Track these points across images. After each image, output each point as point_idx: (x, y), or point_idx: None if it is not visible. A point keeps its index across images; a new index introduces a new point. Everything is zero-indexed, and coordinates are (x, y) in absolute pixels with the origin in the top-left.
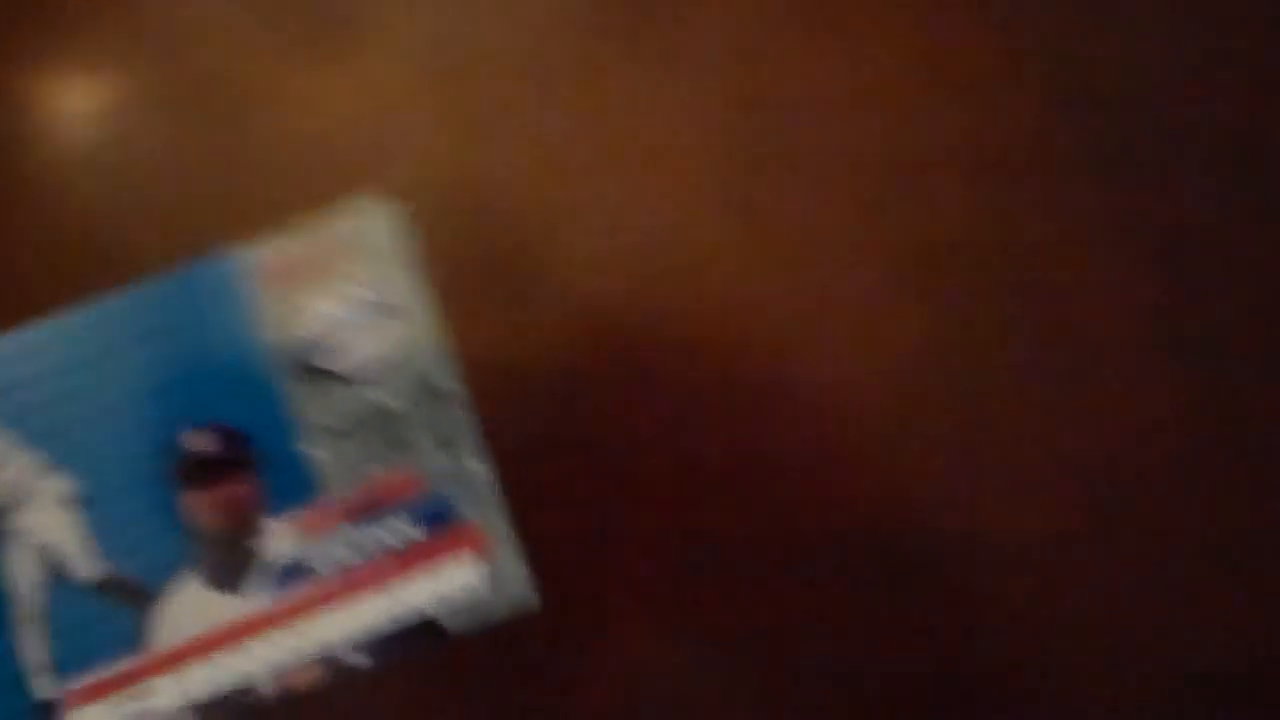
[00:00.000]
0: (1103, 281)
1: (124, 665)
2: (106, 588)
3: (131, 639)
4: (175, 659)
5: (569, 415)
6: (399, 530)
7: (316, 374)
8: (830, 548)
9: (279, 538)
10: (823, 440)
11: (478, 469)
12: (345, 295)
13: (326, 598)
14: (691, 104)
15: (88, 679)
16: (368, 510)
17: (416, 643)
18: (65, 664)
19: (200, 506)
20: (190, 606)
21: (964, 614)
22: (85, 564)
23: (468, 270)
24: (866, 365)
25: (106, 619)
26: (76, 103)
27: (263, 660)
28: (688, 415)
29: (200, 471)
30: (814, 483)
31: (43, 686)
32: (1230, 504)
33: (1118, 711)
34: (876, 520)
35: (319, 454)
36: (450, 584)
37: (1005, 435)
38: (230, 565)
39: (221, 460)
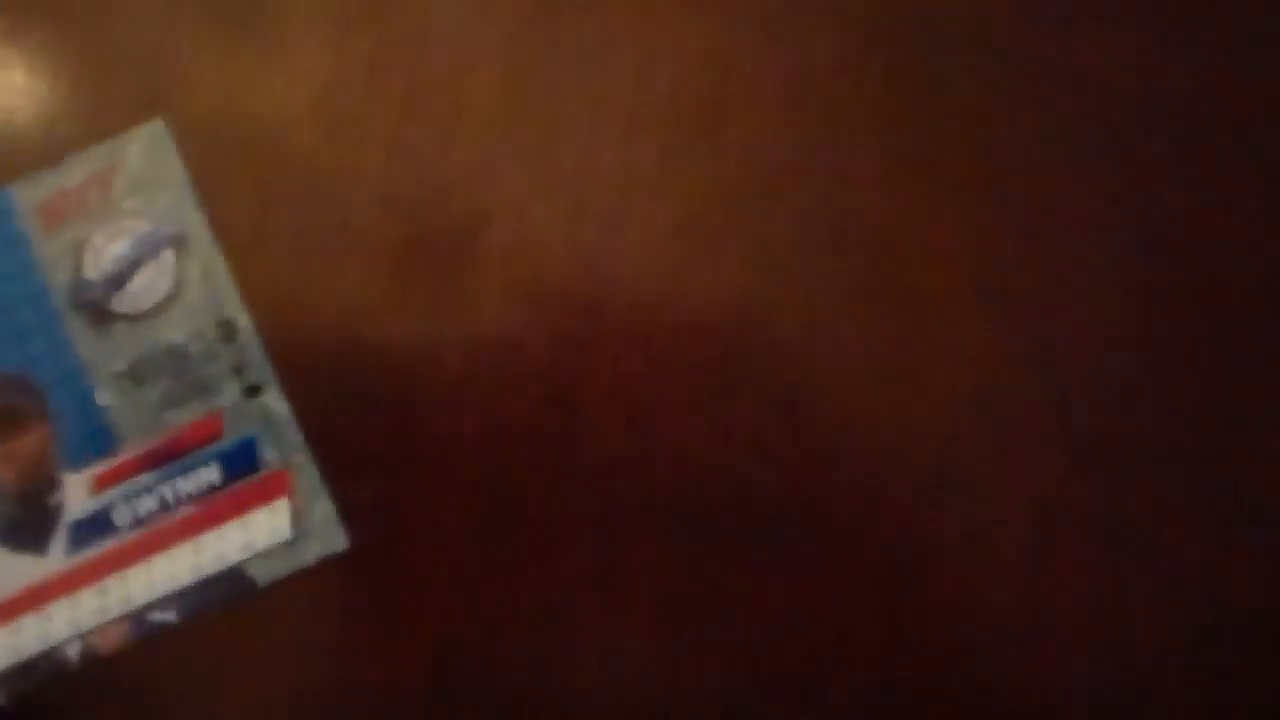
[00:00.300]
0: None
1: None
2: None
3: None
4: None
5: (364, 346)
6: (202, 477)
7: (103, 315)
8: (647, 504)
9: (77, 492)
10: (630, 391)
11: (280, 406)
12: (126, 230)
13: (130, 552)
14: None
15: None
16: (168, 458)
17: (226, 594)
18: None
19: None
20: None
21: (804, 560)
22: None
23: (256, 200)
24: (680, 317)
25: None
26: None
27: (66, 622)
28: (501, 368)
29: None
30: (629, 435)
31: None
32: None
33: None
34: (697, 473)
35: (114, 401)
36: (259, 530)
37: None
38: (26, 523)
39: (11, 412)
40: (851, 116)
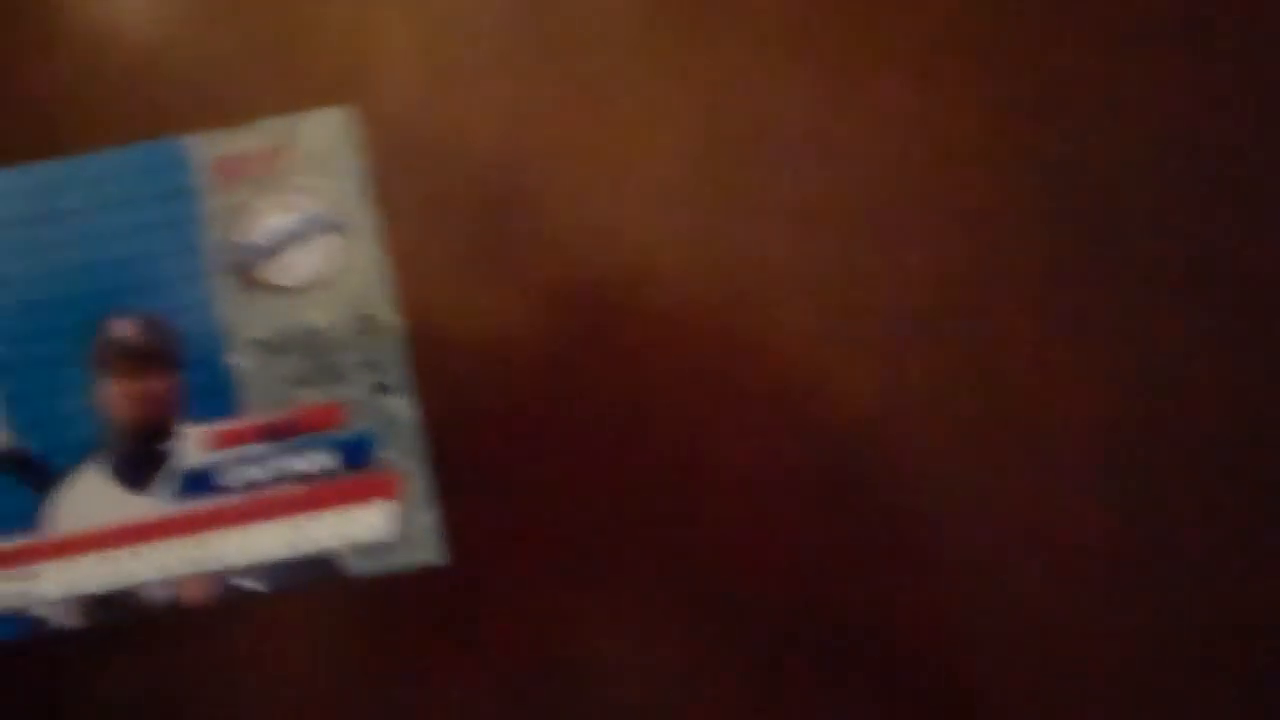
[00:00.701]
0: None
1: (13, 543)
2: (7, 460)
3: (25, 518)
4: (67, 547)
5: (507, 372)
6: (315, 460)
7: (253, 283)
8: (759, 588)
9: (192, 444)
10: (764, 434)
11: (406, 411)
12: (294, 205)
13: (230, 515)
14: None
15: None
16: (286, 434)
17: (315, 577)
18: None
19: (116, 396)
20: (91, 496)
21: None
22: None
23: (429, 207)
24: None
25: (1, 492)
26: None
27: (156, 565)
28: (638, 396)
29: (121, 360)
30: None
31: None
32: None
33: None
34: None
35: (245, 366)
36: (358, 525)
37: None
38: (138, 462)
39: (144, 352)
40: None
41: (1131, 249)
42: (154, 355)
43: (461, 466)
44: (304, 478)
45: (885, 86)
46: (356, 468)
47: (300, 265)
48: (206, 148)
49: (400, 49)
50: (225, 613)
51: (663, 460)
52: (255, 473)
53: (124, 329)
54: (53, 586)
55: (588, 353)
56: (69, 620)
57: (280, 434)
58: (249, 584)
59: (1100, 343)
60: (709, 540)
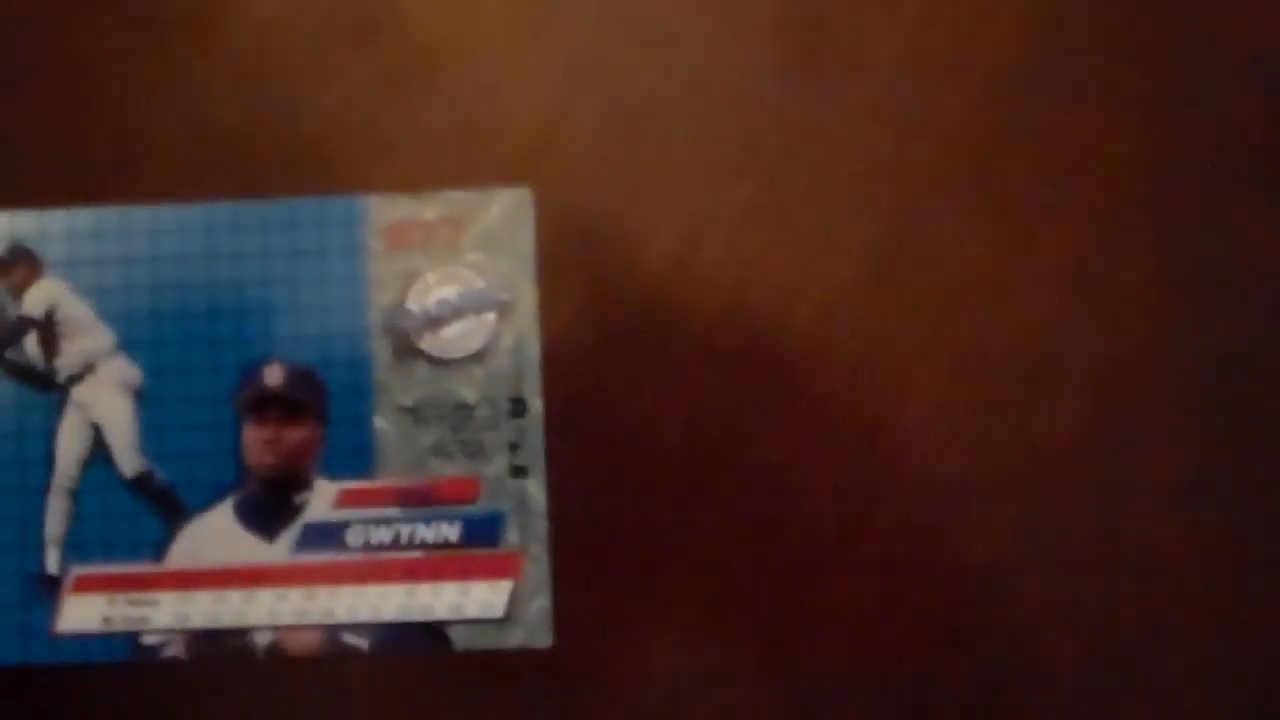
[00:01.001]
0: None
1: (135, 569)
2: (142, 487)
3: (150, 546)
4: (186, 580)
5: (639, 472)
6: (441, 531)
7: (410, 350)
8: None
9: (323, 498)
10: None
11: (538, 498)
12: (463, 279)
13: (348, 571)
14: (846, 150)
15: (96, 569)
16: (419, 501)
17: (420, 644)
18: (78, 548)
19: (256, 441)
20: (217, 535)
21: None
22: (129, 457)
23: (589, 298)
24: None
25: (133, 518)
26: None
27: (268, 611)
28: (767, 514)
29: (268, 407)
30: (885, 601)
31: (51, 561)
32: None
33: None
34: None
35: (388, 430)
36: (473, 600)
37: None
38: (267, 509)
39: (291, 402)
40: None
41: None
42: (300, 406)
43: (576, 553)
44: (427, 546)
45: (1058, 239)
46: (481, 544)
47: (459, 339)
48: (386, 210)
49: (587, 139)
50: (327, 665)
51: (781, 582)
52: (380, 535)
53: (275, 376)
54: (165, 616)
55: (722, 467)
56: (177, 651)
57: (412, 501)
58: (354, 641)
59: (1228, 497)
60: (820, 662)
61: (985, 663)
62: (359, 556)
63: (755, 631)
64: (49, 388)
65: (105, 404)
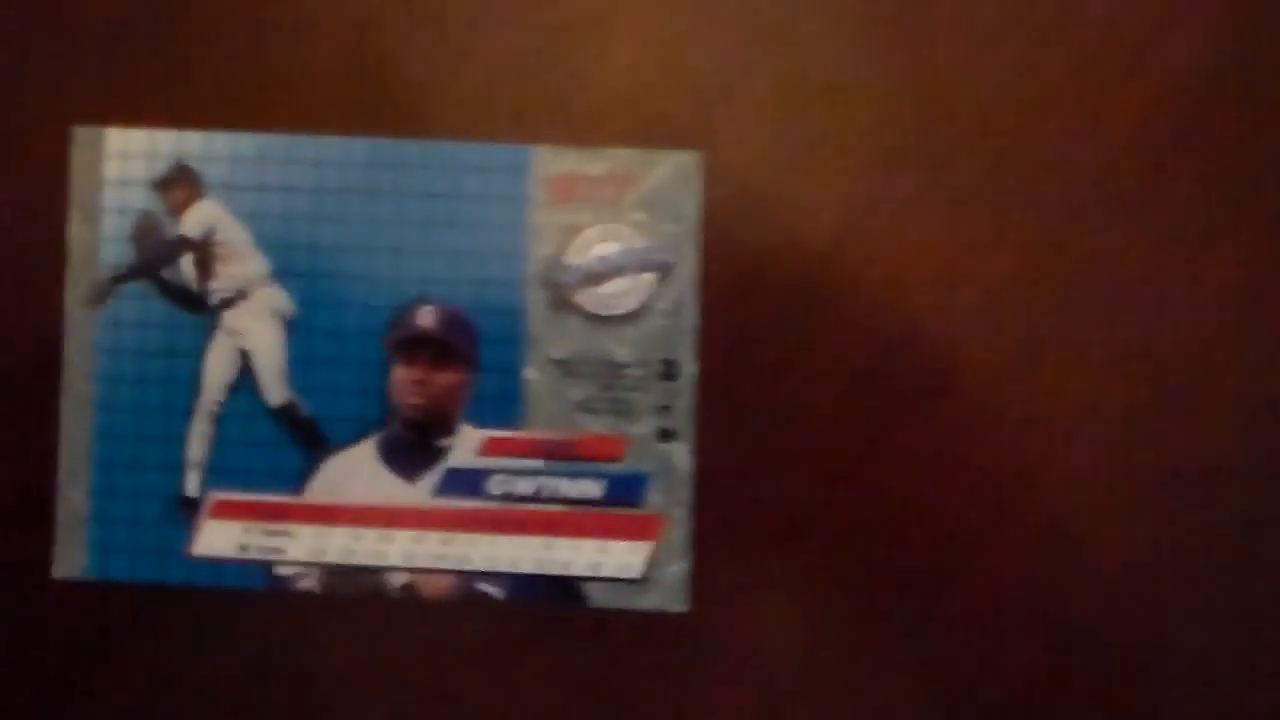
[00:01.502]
0: None
1: (274, 499)
2: (286, 417)
3: (290, 478)
4: (324, 514)
5: (789, 442)
6: (583, 487)
7: (566, 304)
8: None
9: (467, 445)
10: (1031, 566)
11: (684, 462)
12: (625, 237)
13: (486, 520)
14: (1017, 146)
15: (235, 496)
16: (563, 456)
17: (554, 598)
18: (219, 473)
19: (406, 382)
20: (359, 472)
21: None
22: (275, 386)
23: (750, 265)
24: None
25: (275, 448)
26: None
27: (404, 552)
28: (913, 498)
29: (419, 348)
30: (1014, 594)
31: (191, 483)
32: None
33: None
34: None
35: (537, 381)
36: (610, 559)
37: None
38: (411, 451)
39: (442, 344)
40: None
41: None
42: (450, 350)
43: (718, 520)
44: (568, 501)
45: (1225, 253)
46: (623, 504)
47: (616, 297)
48: (552, 162)
49: (761, 108)
50: (459, 611)
51: (919, 568)
52: (522, 486)
53: (427, 317)
54: (302, 550)
55: (871, 449)
56: (311, 584)
57: (557, 455)
58: (488, 589)
59: None
60: (952, 648)
61: (1116, 668)
62: (499, 506)
63: (890, 615)
64: (200, 310)
65: (255, 331)
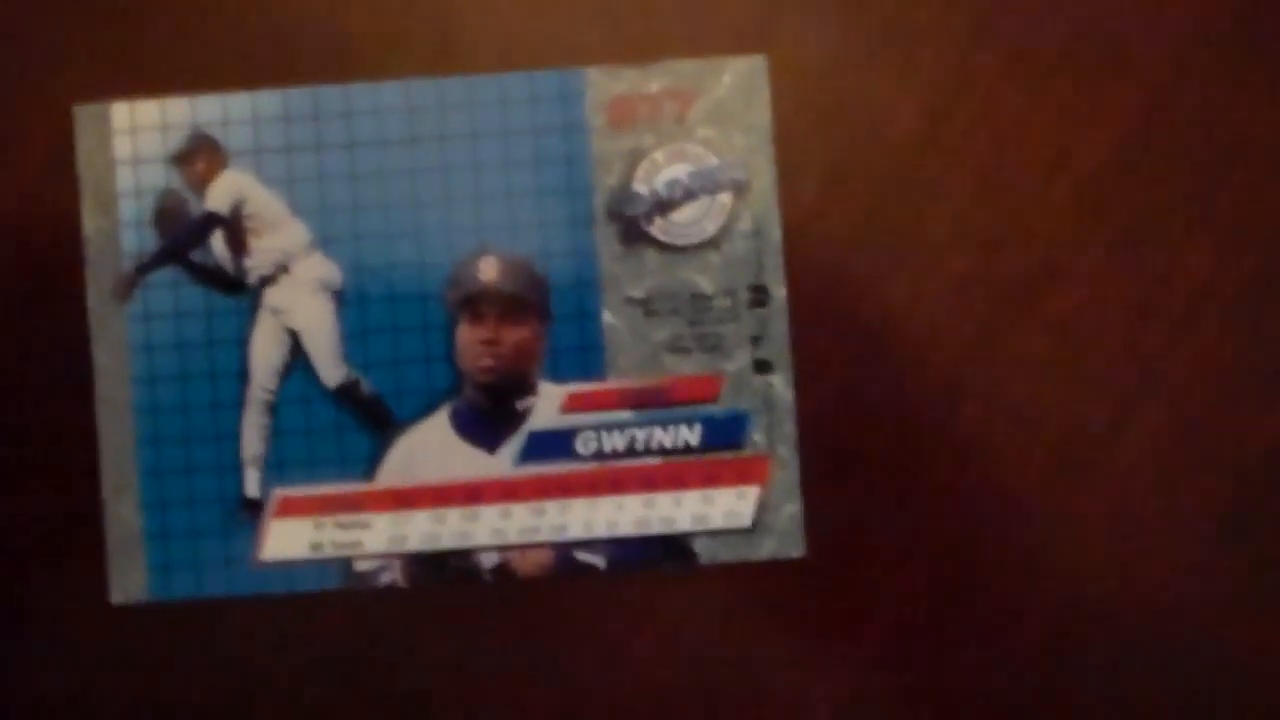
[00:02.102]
0: None
1: (343, 488)
2: (348, 398)
3: (360, 463)
4: (400, 499)
5: (892, 365)
6: (680, 435)
7: (639, 236)
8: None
9: (549, 403)
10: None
11: (785, 394)
12: (694, 157)
13: (579, 483)
14: (1103, 8)
15: (301, 490)
16: (653, 403)
17: (661, 559)
18: (280, 468)
19: (475, 344)
20: (433, 448)
21: None
22: (331, 365)
23: (831, 175)
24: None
25: (339, 433)
26: None
27: (492, 530)
28: (1025, 411)
29: (485, 305)
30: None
31: (251, 483)
32: None
33: None
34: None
35: (617, 326)
36: (718, 509)
37: None
38: (487, 418)
39: (509, 298)
40: None
41: None
42: (519, 303)
43: (827, 454)
44: (665, 452)
45: None
46: (724, 448)
47: (692, 223)
48: (607, 83)
49: (815, 1)
50: (560, 586)
51: (1045, 481)
52: (613, 441)
53: (490, 270)
54: (380, 540)
55: (982, 358)
56: (394, 577)
57: (646, 403)
58: (589, 559)
59: None
60: (1086, 569)
61: (1265, 554)
62: (590, 466)
63: (1018, 536)
64: (239, 291)
65: (302, 307)
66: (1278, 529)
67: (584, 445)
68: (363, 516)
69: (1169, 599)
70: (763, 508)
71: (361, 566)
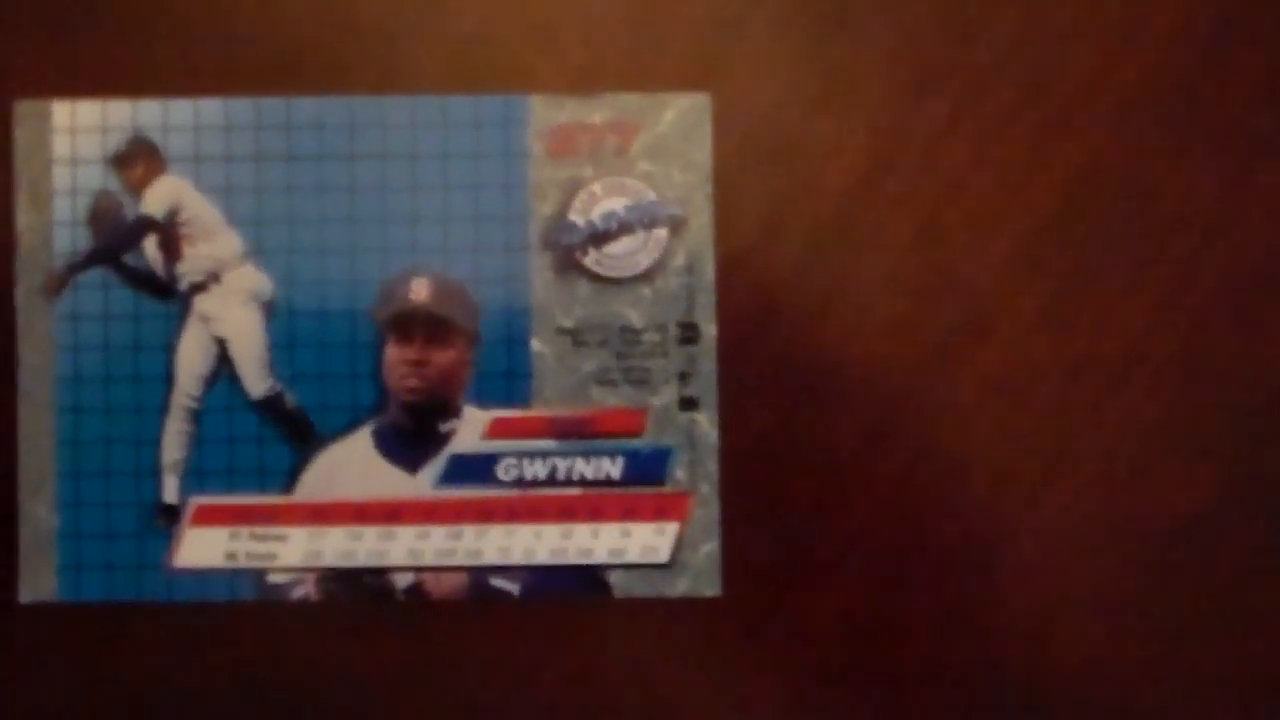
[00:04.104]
0: None
1: (262, 500)
2: (271, 409)
3: (280, 476)
4: (318, 514)
5: (818, 406)
6: (602, 467)
7: (571, 265)
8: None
9: (472, 428)
10: (1070, 536)
11: (709, 432)
12: (630, 191)
13: (498, 509)
14: (1052, 67)
15: (218, 499)
16: (577, 434)
17: (576, 590)
18: (200, 476)
19: (401, 363)
20: (354, 465)
21: None
22: (256, 376)
23: (766, 215)
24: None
25: (260, 444)
26: None
27: (408, 550)
28: (955, 462)
29: (414, 325)
30: (1059, 566)
31: (169, 489)
32: None
33: None
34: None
35: (546, 354)
36: (635, 544)
37: None
38: (411, 438)
39: (441, 321)
40: None
41: None
42: (448, 325)
43: (749, 494)
44: (586, 483)
45: (1271, 180)
46: (646, 482)
47: (626, 256)
48: (549, 111)
49: (772, 42)
50: (473, 611)
51: (969, 532)
52: (535, 469)
53: (421, 291)
54: (295, 554)
55: (910, 405)
56: (307, 591)
57: (570, 433)
58: (504, 585)
59: None
60: (1006, 618)
61: (1184, 619)
62: (510, 493)
63: (938, 584)
64: (169, 297)
65: (231, 317)
66: (1197, 596)
67: (505, 471)
68: (279, 529)
69: (1085, 661)
70: (681, 545)
71: (275, 579)
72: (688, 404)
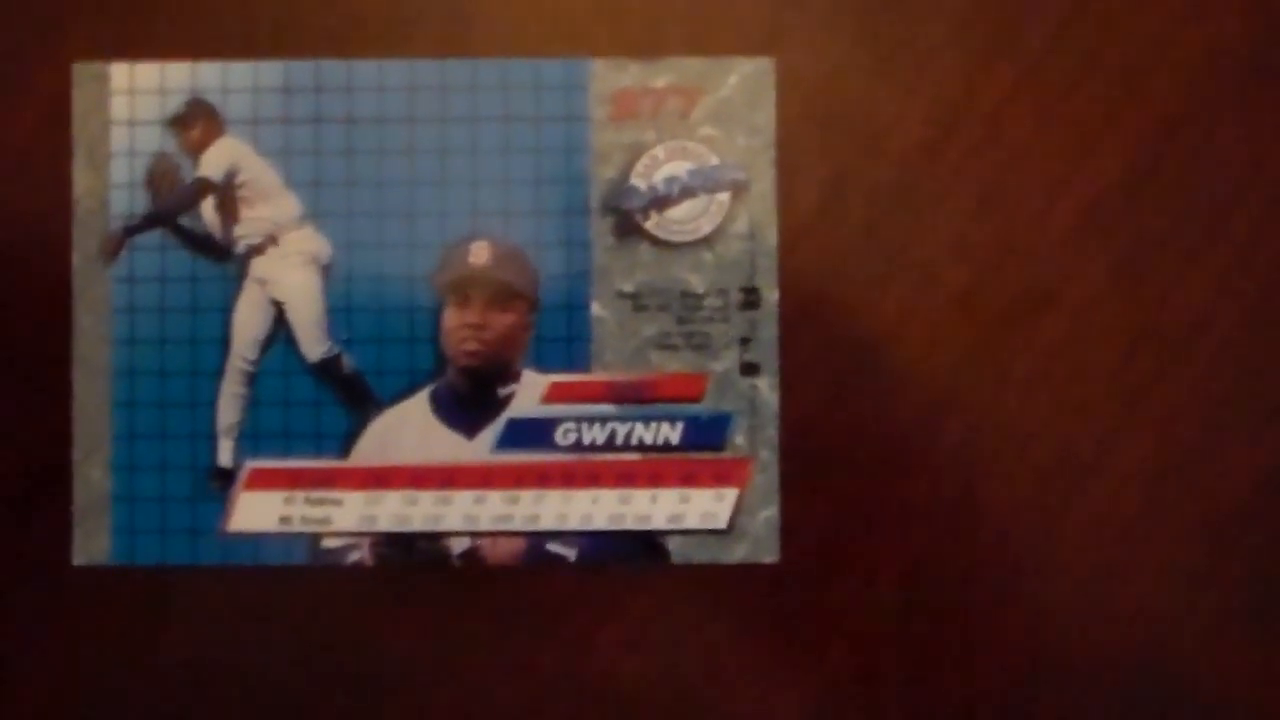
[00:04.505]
0: None
1: (317, 464)
2: (328, 373)
3: (336, 440)
4: (374, 478)
5: (879, 374)
6: (661, 432)
7: (633, 231)
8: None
9: (530, 392)
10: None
11: (770, 398)
12: (692, 155)
13: (555, 474)
14: (1118, 31)
15: (273, 463)
16: (636, 399)
17: (633, 556)
18: (255, 439)
19: (460, 327)
20: (411, 429)
21: None
22: (313, 339)
23: (829, 182)
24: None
25: (317, 408)
26: None
27: (464, 515)
28: (1015, 429)
29: (473, 289)
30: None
31: (224, 453)
32: None
33: None
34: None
35: (606, 318)
36: (694, 510)
37: None
38: (468, 403)
39: (501, 285)
40: None
41: None
42: (507, 289)
43: (808, 461)
44: (645, 448)
45: None
46: (705, 448)
47: (688, 221)
48: (612, 75)
49: (836, 6)
50: (529, 576)
51: (1026, 501)
52: (593, 434)
53: (481, 255)
54: (350, 519)
55: (971, 374)
56: (362, 556)
57: (630, 397)
58: (560, 550)
59: None
60: (1064, 589)
61: (1247, 591)
62: (568, 457)
63: (996, 553)
64: (226, 259)
65: (289, 279)
66: (1258, 564)
67: (563, 436)
68: (334, 493)
69: (1144, 629)
70: (739, 511)
71: (329, 543)
72: (748, 369)
